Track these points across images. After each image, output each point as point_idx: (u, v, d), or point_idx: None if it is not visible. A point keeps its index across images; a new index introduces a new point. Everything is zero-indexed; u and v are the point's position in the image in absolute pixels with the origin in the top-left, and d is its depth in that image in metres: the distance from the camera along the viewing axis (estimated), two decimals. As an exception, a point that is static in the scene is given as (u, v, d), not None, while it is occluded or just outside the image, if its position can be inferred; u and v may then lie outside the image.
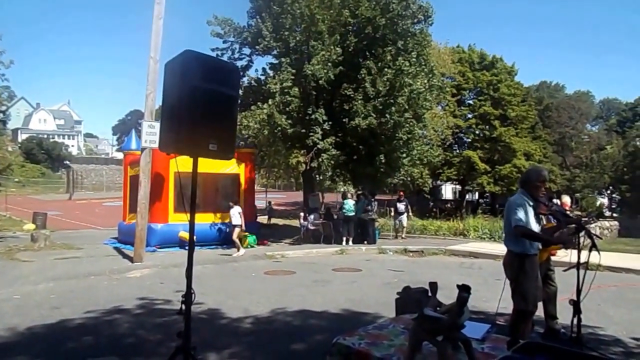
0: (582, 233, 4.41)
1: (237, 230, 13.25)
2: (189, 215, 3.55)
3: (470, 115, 40.81)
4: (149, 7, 11.58)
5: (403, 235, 18.33)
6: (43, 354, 5.05)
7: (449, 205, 43.65)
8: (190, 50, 3.34)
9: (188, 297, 3.42)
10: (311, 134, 16.04)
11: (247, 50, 18.93)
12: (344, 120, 16.35)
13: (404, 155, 17.55)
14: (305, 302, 7.56)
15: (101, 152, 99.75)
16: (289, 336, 5.81)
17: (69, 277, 9.63)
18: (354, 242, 15.93)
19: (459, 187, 46.71)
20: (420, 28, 17.75)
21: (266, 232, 18.08)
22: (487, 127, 40.13)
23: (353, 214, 16.18)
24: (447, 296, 3.57)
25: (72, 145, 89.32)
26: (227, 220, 14.32)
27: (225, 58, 17.88)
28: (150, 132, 11.45)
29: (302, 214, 18.16)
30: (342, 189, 24.01)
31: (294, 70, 15.71)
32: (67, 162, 69.00)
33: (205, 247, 13.81)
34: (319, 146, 16.01)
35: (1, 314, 6.64)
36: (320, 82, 15.58)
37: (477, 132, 40.66)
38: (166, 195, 14.28)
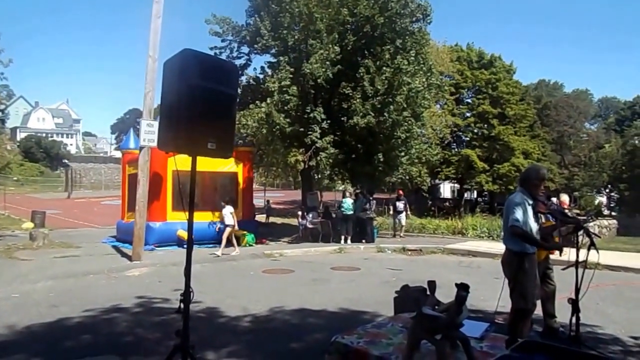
0: (581, 232, 4.42)
1: (228, 230, 13.01)
2: (187, 214, 3.54)
3: (468, 114, 40.83)
4: (148, 5, 11.57)
5: (401, 234, 18.35)
6: (41, 353, 5.04)
7: (447, 204, 43.66)
8: (189, 49, 3.33)
9: (187, 296, 3.42)
10: (309, 132, 16.03)
11: (245, 49, 18.96)
12: (342, 119, 16.35)
13: (403, 153, 17.55)
14: (304, 301, 7.56)
15: (100, 150, 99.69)
16: (287, 335, 5.81)
17: (68, 276, 9.61)
18: (352, 241, 15.92)
19: (457, 185, 46.74)
20: (418, 27, 17.78)
21: (264, 230, 18.08)
22: (485, 125, 40.14)
23: (351, 212, 16.18)
24: (445, 295, 3.57)
25: (71, 144, 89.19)
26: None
27: (223, 57, 17.89)
28: (149, 131, 11.43)
29: (300, 213, 18.16)
30: (341, 188, 24.02)
31: (292, 69, 15.70)
32: (66, 161, 68.99)
33: (204, 245, 13.80)
34: (317, 145, 16.01)
35: (0, 313, 6.63)
36: (318, 80, 15.57)
37: (475, 130, 40.66)
38: (164, 193, 14.26)
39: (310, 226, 17.15)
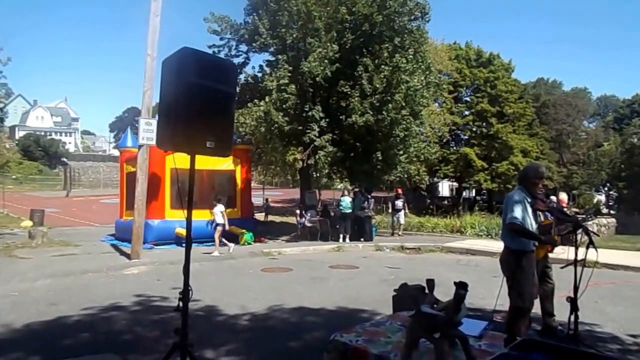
0: (580, 230, 4.42)
1: (219, 229, 12.92)
2: (186, 212, 3.54)
3: (467, 112, 40.84)
4: (147, 3, 11.54)
5: (400, 233, 18.36)
6: (40, 351, 5.03)
7: (445, 202, 43.74)
8: (188, 48, 3.33)
9: (185, 294, 3.42)
10: (308, 131, 16.03)
11: (244, 48, 18.98)
12: (340, 117, 16.34)
13: (401, 152, 17.54)
14: (302, 299, 7.56)
15: (98, 149, 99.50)
16: (285, 333, 5.82)
17: (66, 274, 9.60)
18: (350, 239, 15.94)
19: (455, 184, 46.78)
20: (417, 25, 17.76)
21: (263, 229, 18.06)
22: (484, 124, 40.18)
23: (350, 211, 16.19)
24: (444, 293, 3.58)
25: (69, 143, 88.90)
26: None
27: (222, 55, 17.89)
28: (148, 129, 11.41)
29: (298, 211, 18.15)
30: (340, 186, 24.00)
31: (290, 68, 15.69)
32: (64, 159, 68.81)
33: (202, 244, 13.79)
34: (315, 143, 16.01)
35: (-2, 311, 6.63)
36: (317, 79, 15.56)
37: (474, 129, 40.69)
38: (163, 191, 14.24)
39: (309, 225, 17.14)
